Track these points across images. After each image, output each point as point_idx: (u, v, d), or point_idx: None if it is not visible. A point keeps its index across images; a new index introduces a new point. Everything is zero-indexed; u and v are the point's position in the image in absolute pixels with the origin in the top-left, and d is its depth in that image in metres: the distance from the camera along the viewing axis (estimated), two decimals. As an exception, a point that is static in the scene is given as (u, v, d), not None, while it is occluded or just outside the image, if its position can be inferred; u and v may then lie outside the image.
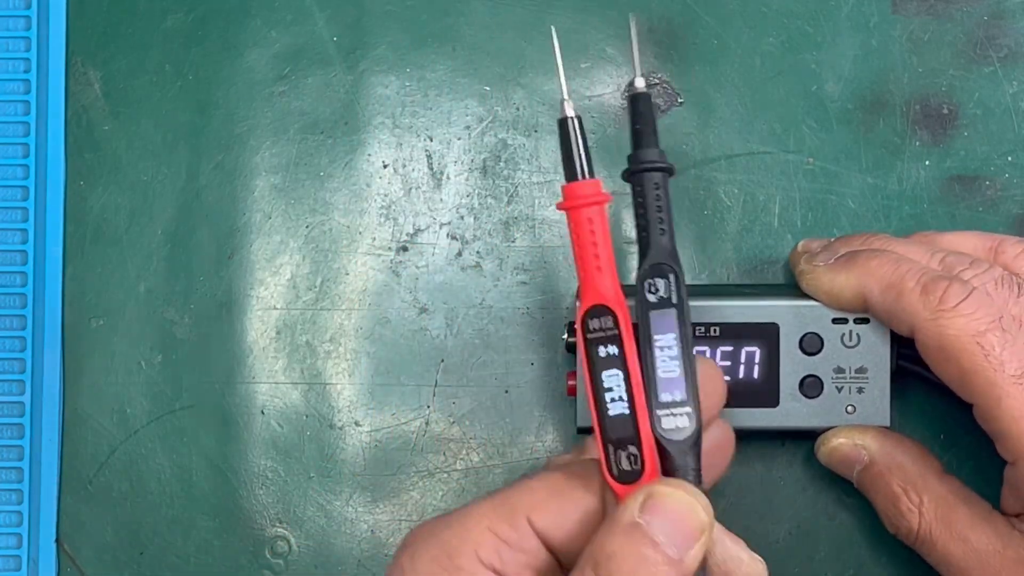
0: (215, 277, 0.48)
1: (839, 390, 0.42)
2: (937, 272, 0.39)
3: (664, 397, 0.35)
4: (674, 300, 0.35)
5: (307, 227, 0.48)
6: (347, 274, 0.47)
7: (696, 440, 0.35)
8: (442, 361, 0.47)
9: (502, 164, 0.47)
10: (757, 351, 0.42)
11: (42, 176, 0.48)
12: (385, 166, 0.48)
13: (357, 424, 0.47)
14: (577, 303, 0.36)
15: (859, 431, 0.42)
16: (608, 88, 0.47)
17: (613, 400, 0.34)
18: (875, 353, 0.42)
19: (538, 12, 0.48)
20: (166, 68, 0.48)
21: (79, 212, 0.48)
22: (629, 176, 0.36)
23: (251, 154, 0.48)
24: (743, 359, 0.42)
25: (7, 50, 0.49)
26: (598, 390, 0.34)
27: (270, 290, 0.48)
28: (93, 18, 0.48)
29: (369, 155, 0.48)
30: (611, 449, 0.34)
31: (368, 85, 0.48)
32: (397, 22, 0.48)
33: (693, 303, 0.42)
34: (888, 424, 0.42)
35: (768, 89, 0.47)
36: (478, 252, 0.47)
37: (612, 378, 0.34)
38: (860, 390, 0.42)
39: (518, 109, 0.47)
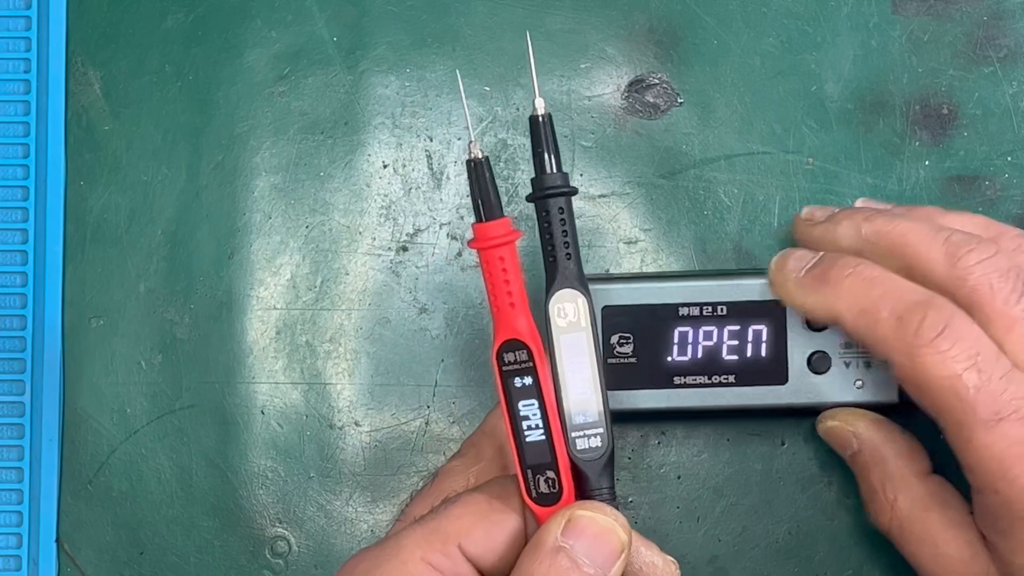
0: (215, 277, 0.48)
1: (847, 365, 0.42)
2: (914, 298, 0.36)
3: (577, 419, 0.36)
4: (583, 323, 0.36)
5: (307, 227, 0.48)
6: (347, 274, 0.47)
7: (609, 459, 0.36)
8: (442, 361, 0.47)
9: (502, 164, 0.47)
10: (764, 329, 0.42)
11: (42, 176, 0.48)
12: (385, 166, 0.48)
13: (357, 424, 0.47)
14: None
15: (855, 416, 0.42)
16: (608, 88, 0.47)
17: (530, 428, 0.36)
18: None
19: (538, 12, 0.48)
20: (166, 68, 0.48)
21: (79, 212, 0.48)
22: (534, 200, 0.36)
23: (251, 154, 0.48)
24: (750, 338, 0.42)
25: (7, 50, 0.49)
26: (515, 419, 0.36)
27: (270, 290, 0.48)
28: (93, 18, 0.48)
29: (369, 155, 0.48)
30: (530, 474, 0.36)
31: (368, 85, 0.48)
32: (397, 22, 0.48)
33: (700, 282, 0.43)
34: (896, 400, 0.42)
35: (768, 89, 0.47)
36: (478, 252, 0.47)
37: (528, 407, 0.36)
38: (868, 364, 0.42)
39: (518, 109, 0.47)
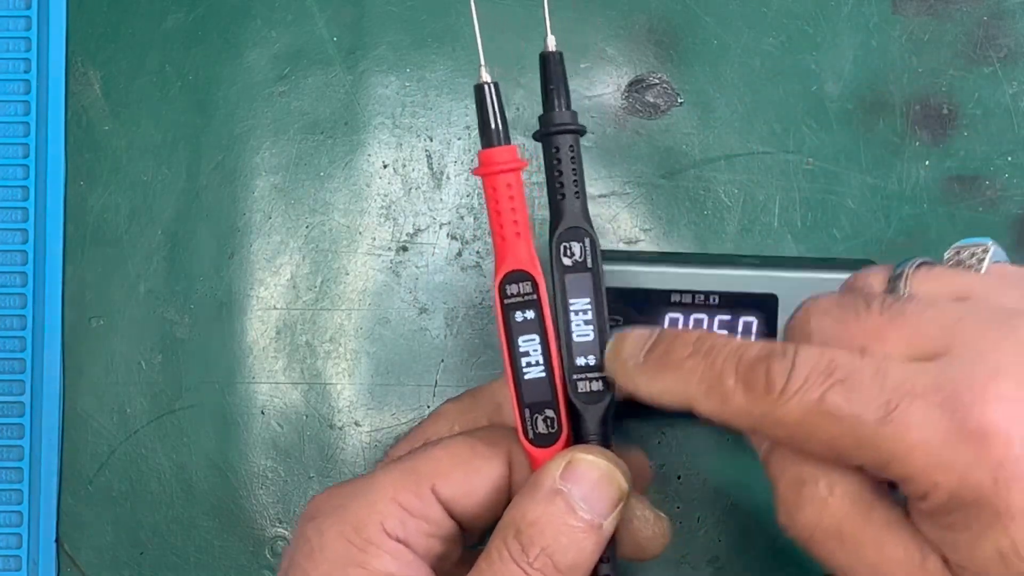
0: (215, 277, 0.48)
1: None
2: (752, 354, 0.31)
3: (580, 361, 0.35)
4: (589, 264, 0.35)
5: (307, 227, 0.48)
6: (347, 274, 0.47)
7: (609, 404, 0.35)
8: (442, 361, 0.47)
9: (502, 164, 0.47)
10: (755, 321, 0.42)
11: (42, 176, 0.48)
12: (385, 166, 0.48)
13: (357, 424, 0.47)
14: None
15: None
16: (608, 88, 0.47)
17: (530, 364, 0.35)
18: None
19: (538, 12, 0.48)
20: (166, 68, 0.48)
21: (79, 212, 0.48)
22: (542, 137, 0.35)
23: (251, 154, 0.48)
24: (740, 329, 0.42)
25: (7, 50, 0.49)
26: (514, 355, 0.35)
27: (270, 290, 0.48)
28: (93, 18, 0.48)
29: (369, 155, 0.48)
30: (528, 413, 0.35)
31: (368, 85, 0.48)
32: (397, 22, 0.48)
33: (695, 270, 0.42)
34: None
35: (768, 89, 0.47)
36: (478, 252, 0.47)
37: (529, 342, 0.35)
38: None
39: (518, 109, 0.47)
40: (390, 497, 0.34)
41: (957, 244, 0.36)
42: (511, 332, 0.35)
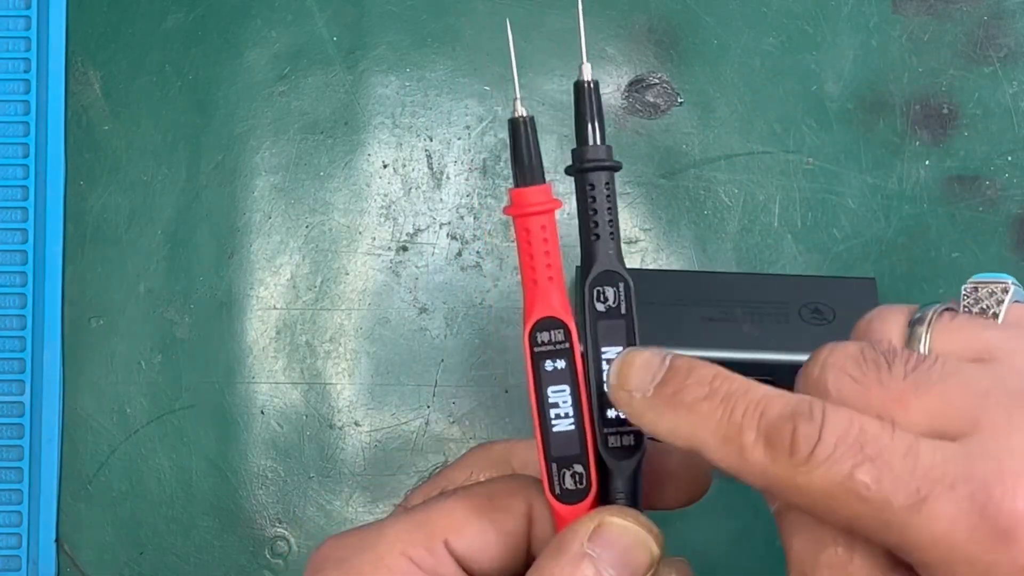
0: (215, 277, 0.48)
1: None
2: (777, 410, 0.30)
3: (611, 414, 0.33)
4: (623, 311, 0.33)
5: (307, 227, 0.48)
6: (347, 274, 0.47)
7: (640, 462, 0.33)
8: (442, 361, 0.47)
9: (502, 164, 0.47)
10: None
11: (42, 176, 0.48)
12: (385, 166, 0.48)
13: (357, 424, 0.47)
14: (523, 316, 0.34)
15: None
16: (608, 88, 0.47)
17: (558, 417, 0.33)
18: None
19: (538, 12, 0.48)
20: (166, 68, 0.48)
21: (79, 212, 0.48)
22: (576, 173, 0.34)
23: (251, 154, 0.48)
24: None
25: (7, 50, 0.49)
26: (543, 406, 0.33)
27: (270, 290, 0.48)
28: (93, 18, 0.48)
29: (369, 155, 0.48)
30: (555, 468, 0.33)
31: (368, 85, 0.48)
32: (397, 22, 0.48)
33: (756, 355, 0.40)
34: None
35: (768, 89, 0.47)
36: (478, 252, 0.47)
37: (559, 393, 0.33)
38: None
39: (518, 109, 0.47)
40: (399, 552, 0.33)
41: (974, 279, 0.35)
42: (540, 382, 0.33)
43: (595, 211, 0.33)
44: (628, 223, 0.47)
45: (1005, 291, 0.33)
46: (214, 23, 0.48)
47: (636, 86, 0.47)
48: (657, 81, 0.47)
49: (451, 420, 0.47)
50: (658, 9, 0.47)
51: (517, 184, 0.33)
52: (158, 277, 0.48)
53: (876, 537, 0.29)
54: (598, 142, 0.33)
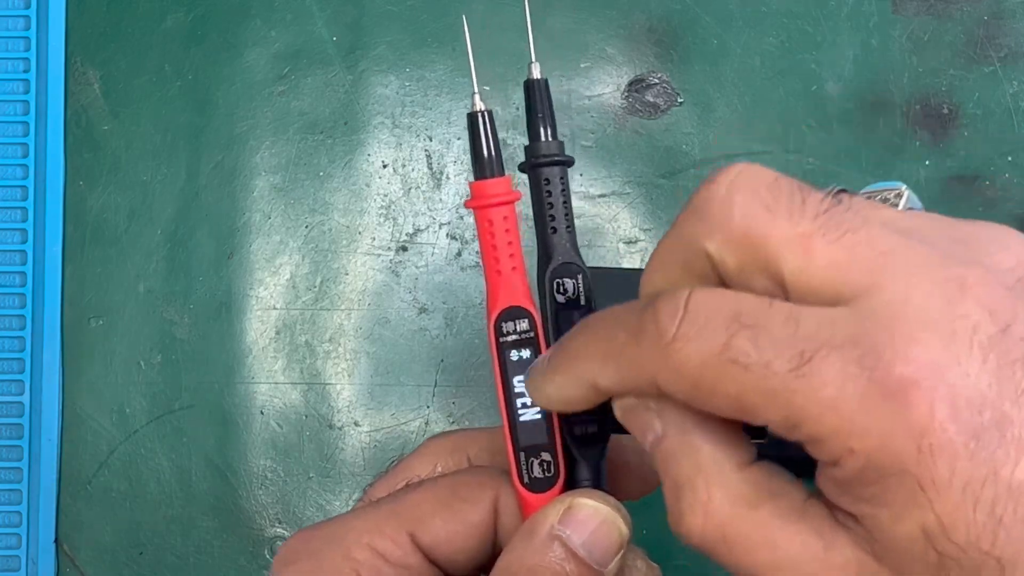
0: (215, 277, 0.48)
1: None
2: (640, 306, 0.28)
3: None
4: (582, 301, 0.34)
5: (307, 227, 0.48)
6: (347, 274, 0.47)
7: (604, 450, 0.34)
8: (442, 361, 0.47)
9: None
10: None
11: (42, 176, 0.48)
12: (385, 166, 0.48)
13: (357, 424, 0.47)
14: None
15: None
16: (608, 88, 0.47)
17: (526, 406, 0.33)
18: None
19: (538, 12, 0.48)
20: (166, 68, 0.48)
21: (79, 212, 0.48)
22: (530, 168, 0.34)
23: (251, 154, 0.48)
24: None
25: (7, 50, 0.49)
26: (509, 396, 0.33)
27: (270, 290, 0.48)
28: (93, 18, 0.48)
29: (369, 155, 0.48)
30: (523, 456, 0.33)
31: (368, 85, 0.48)
32: (397, 22, 0.48)
33: None
34: None
35: (768, 89, 0.47)
36: (478, 252, 0.47)
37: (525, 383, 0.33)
38: None
39: (518, 109, 0.47)
40: (364, 543, 0.33)
41: (867, 188, 0.34)
42: (506, 372, 0.33)
43: (551, 205, 0.34)
44: (628, 223, 0.47)
45: (899, 196, 0.33)
46: (214, 23, 0.48)
47: (636, 86, 0.47)
48: (657, 81, 0.47)
49: (451, 420, 0.47)
50: (658, 9, 0.47)
51: (477, 177, 0.33)
52: (158, 277, 0.48)
53: (764, 415, 0.27)
54: (550, 138, 0.34)
